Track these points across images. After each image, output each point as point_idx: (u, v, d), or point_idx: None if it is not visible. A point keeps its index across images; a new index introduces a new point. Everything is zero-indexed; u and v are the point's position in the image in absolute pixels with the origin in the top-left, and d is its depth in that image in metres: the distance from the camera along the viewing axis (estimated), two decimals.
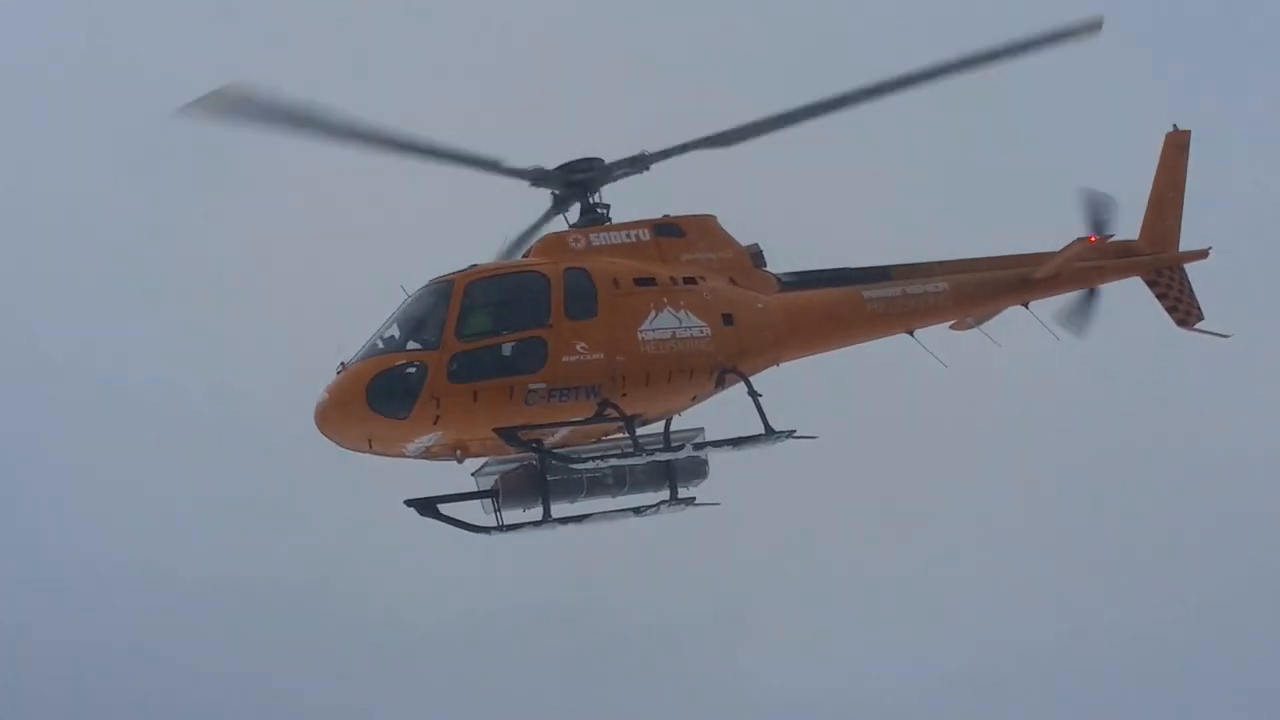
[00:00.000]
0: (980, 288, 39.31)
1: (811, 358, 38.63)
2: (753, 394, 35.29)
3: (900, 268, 38.75)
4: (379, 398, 32.43)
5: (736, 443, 35.47)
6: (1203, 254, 42.21)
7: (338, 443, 33.19)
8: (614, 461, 35.16)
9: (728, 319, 35.65)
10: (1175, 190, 41.45)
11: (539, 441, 33.54)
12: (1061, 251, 39.20)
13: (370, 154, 33.14)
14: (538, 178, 35.91)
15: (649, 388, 34.37)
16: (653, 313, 34.74)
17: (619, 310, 34.30)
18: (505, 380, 32.94)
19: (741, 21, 70.25)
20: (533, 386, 33.12)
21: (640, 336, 34.35)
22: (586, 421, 33.78)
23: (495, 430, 32.96)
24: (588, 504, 36.24)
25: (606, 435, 35.75)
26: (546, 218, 36.54)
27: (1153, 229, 41.78)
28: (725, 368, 35.30)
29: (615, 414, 33.78)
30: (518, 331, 33.29)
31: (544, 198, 36.43)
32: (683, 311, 35.05)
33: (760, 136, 35.45)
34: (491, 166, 34.75)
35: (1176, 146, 41.63)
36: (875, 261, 38.28)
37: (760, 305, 36.48)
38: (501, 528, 35.53)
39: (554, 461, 34.57)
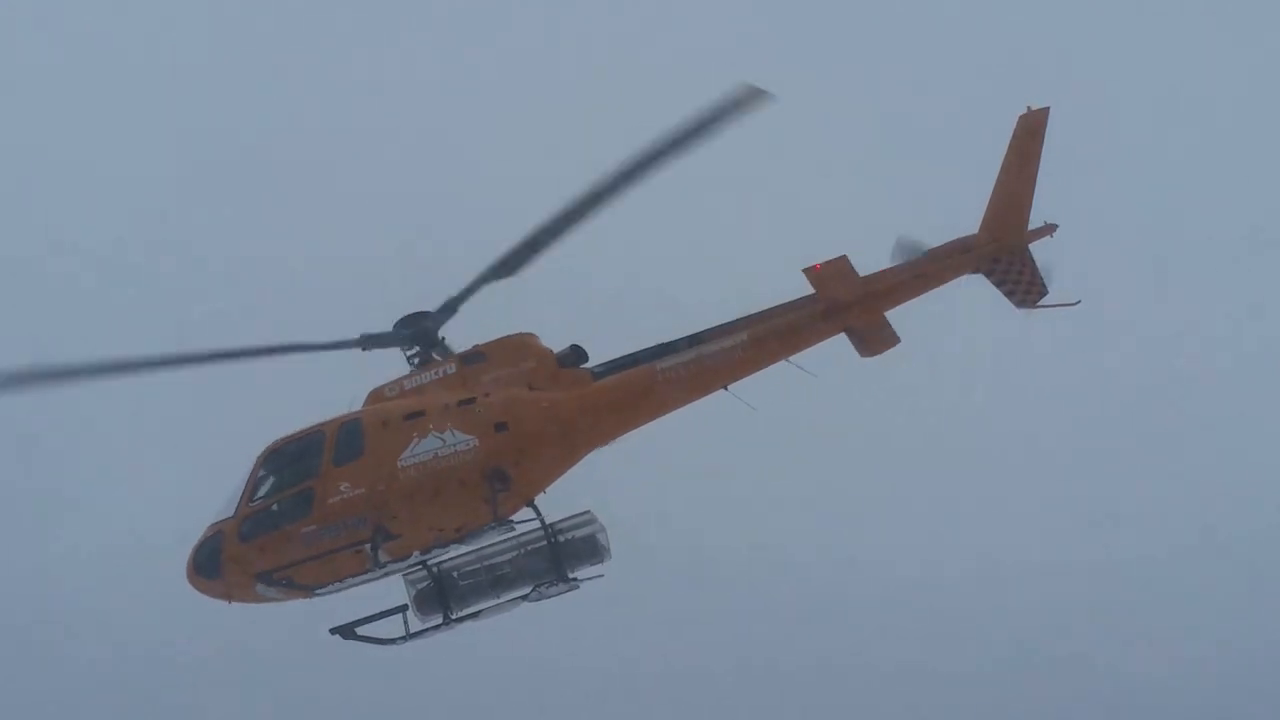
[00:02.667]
0: (782, 332, 38.98)
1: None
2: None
3: (712, 330, 39.44)
4: (199, 567, 39.72)
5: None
6: (1049, 230, 38.77)
7: (213, 598, 40.23)
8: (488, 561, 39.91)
9: (500, 426, 38.62)
10: (1027, 173, 38.31)
11: (290, 579, 38.56)
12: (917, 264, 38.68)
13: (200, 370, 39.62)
14: (371, 341, 40.56)
15: (417, 505, 38.30)
16: (415, 440, 38.51)
17: (382, 447, 38.50)
18: (283, 530, 38.56)
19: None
20: (305, 530, 38.40)
21: (400, 464, 38.39)
22: (369, 542, 38.28)
23: (255, 575, 38.51)
24: (493, 600, 40.39)
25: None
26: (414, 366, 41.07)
27: (996, 218, 38.57)
28: (497, 470, 38.39)
29: (388, 535, 38.27)
30: (294, 486, 38.79)
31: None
32: (448, 432, 38.42)
33: (537, 256, 38.41)
34: (316, 347, 39.91)
35: (1030, 127, 38.47)
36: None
37: (545, 405, 38.89)
38: (408, 637, 40.42)
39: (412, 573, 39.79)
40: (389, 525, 38.39)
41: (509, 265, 38.57)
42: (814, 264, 37.94)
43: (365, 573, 38.90)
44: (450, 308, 40.32)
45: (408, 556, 39.14)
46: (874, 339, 39.75)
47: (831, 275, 38.08)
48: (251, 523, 39.02)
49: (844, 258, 38.06)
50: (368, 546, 38.34)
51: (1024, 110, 38.59)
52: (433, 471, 38.39)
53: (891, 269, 39.02)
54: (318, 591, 39.10)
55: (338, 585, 39.13)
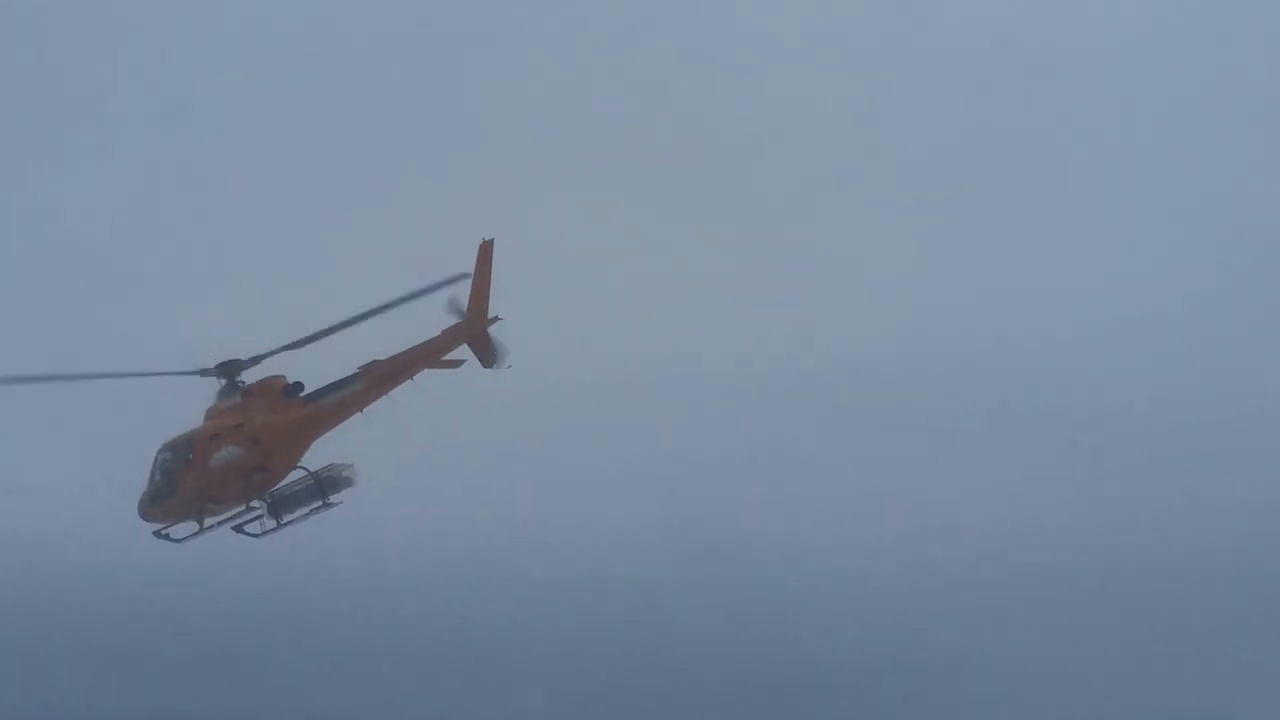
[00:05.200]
0: (380, 378, 69.11)
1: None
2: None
3: (351, 376, 69.87)
4: (140, 515, 73.80)
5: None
6: (496, 320, 66.51)
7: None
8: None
9: (255, 441, 70.76)
10: (483, 283, 66.17)
11: (167, 535, 72.39)
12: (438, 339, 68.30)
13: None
14: (204, 372, 72.88)
15: (223, 488, 71.19)
16: (215, 452, 71.16)
17: (201, 457, 71.41)
18: (168, 501, 72.23)
19: None
20: (179, 500, 72.02)
21: (210, 466, 71.18)
22: (204, 508, 71.66)
23: (155, 532, 72.56)
24: (300, 512, 73.49)
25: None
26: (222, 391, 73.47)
27: (470, 312, 67.10)
28: (257, 466, 70.67)
29: (216, 501, 71.50)
30: (167, 477, 72.23)
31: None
32: (230, 445, 70.97)
33: (326, 338, 69.86)
34: (173, 373, 72.63)
35: (484, 252, 66.21)
36: None
37: (275, 426, 70.58)
38: (265, 533, 74.01)
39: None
40: (213, 498, 71.92)
41: (301, 343, 70.30)
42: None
43: (207, 528, 72.67)
44: (257, 359, 72.45)
45: (230, 511, 72.70)
46: (448, 366, 69.91)
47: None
48: (153, 493, 73.10)
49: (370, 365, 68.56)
50: (204, 511, 72.14)
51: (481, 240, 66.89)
52: (226, 469, 71.42)
53: (415, 347, 68.75)
54: (182, 541, 73.23)
55: (194, 536, 73.10)
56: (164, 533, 73.65)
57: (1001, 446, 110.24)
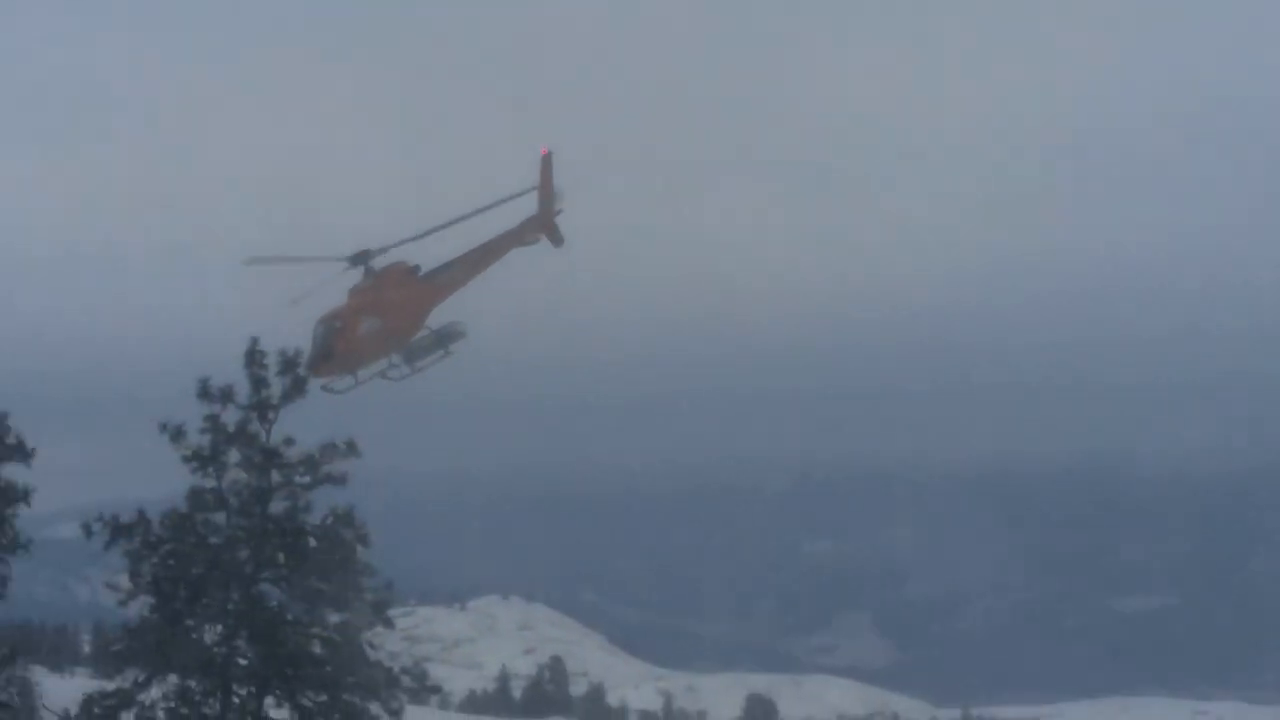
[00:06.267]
0: (476, 260, 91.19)
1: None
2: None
3: (455, 259, 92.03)
4: (309, 370, 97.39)
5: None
6: (559, 212, 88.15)
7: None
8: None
9: (389, 309, 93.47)
10: (549, 184, 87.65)
11: (331, 387, 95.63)
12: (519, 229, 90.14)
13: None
14: (348, 259, 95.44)
15: (370, 348, 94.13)
16: (361, 322, 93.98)
17: (351, 327, 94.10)
18: (329, 361, 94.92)
19: None
20: (336, 360, 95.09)
21: (358, 335, 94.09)
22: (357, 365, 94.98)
23: (321, 386, 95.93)
24: (427, 359, 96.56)
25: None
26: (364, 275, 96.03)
27: (539, 206, 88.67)
28: (394, 331, 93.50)
29: (362, 361, 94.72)
30: (326, 342, 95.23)
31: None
32: (372, 317, 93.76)
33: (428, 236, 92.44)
34: (330, 260, 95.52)
35: (545, 161, 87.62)
36: None
37: (402, 295, 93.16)
38: (402, 379, 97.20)
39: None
40: (361, 356, 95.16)
41: (416, 238, 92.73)
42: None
43: (360, 381, 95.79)
44: (384, 249, 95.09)
45: (375, 365, 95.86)
46: (528, 244, 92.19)
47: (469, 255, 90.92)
48: (313, 358, 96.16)
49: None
50: (355, 367, 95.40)
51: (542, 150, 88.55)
52: (372, 335, 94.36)
53: (501, 234, 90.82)
54: (343, 392, 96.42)
55: (350, 388, 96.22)
56: (328, 386, 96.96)
57: None
